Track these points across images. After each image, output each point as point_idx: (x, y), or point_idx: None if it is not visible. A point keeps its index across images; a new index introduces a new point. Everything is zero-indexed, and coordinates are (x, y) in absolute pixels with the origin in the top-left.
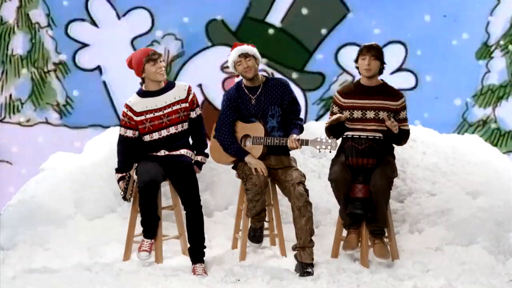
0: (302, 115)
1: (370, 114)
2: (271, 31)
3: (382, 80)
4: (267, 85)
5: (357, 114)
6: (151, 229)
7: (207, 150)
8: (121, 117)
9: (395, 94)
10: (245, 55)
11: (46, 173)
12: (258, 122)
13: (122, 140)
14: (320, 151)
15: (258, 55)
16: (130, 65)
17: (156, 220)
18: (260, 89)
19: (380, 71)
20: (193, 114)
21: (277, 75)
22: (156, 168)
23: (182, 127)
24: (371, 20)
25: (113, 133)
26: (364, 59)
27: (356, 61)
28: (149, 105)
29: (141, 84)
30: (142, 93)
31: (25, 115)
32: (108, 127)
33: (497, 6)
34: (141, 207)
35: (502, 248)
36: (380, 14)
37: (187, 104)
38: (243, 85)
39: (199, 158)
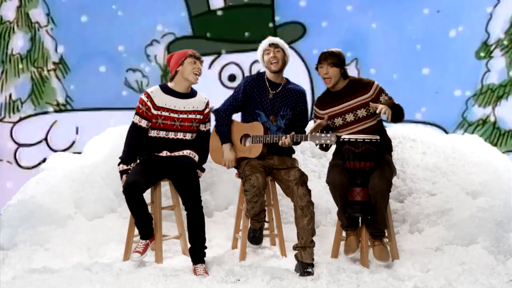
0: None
1: (350, 117)
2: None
3: (349, 77)
4: (288, 86)
5: (338, 121)
6: (145, 229)
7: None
8: (138, 105)
9: (364, 85)
10: (275, 45)
11: (46, 173)
12: (258, 121)
13: (135, 129)
14: (318, 146)
15: (288, 52)
16: (169, 59)
17: (149, 220)
18: (281, 87)
19: (344, 75)
20: (203, 127)
21: None
22: (145, 171)
23: (191, 136)
24: (371, 19)
25: (113, 133)
26: (322, 67)
27: (317, 69)
28: (168, 103)
29: (170, 80)
30: (165, 89)
31: (25, 115)
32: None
33: (497, 6)
34: (129, 208)
35: (502, 248)
36: (380, 14)
37: (201, 116)
38: (265, 77)
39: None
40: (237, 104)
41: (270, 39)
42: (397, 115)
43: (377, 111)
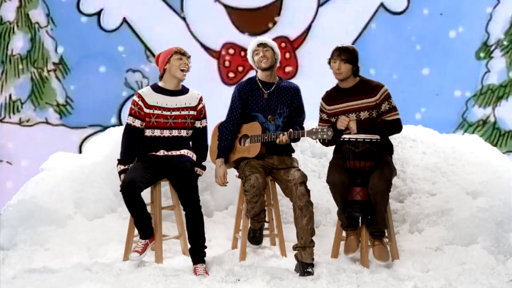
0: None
1: (352, 117)
2: None
3: (360, 76)
4: (281, 84)
5: None
6: (144, 229)
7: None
8: (131, 106)
9: (372, 88)
10: (263, 45)
11: (46, 173)
12: (256, 121)
13: (129, 129)
14: (316, 141)
15: (277, 50)
16: (157, 58)
17: (148, 219)
18: (274, 86)
19: (355, 72)
20: (198, 124)
21: None
22: (143, 170)
23: (186, 133)
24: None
25: (113, 133)
26: (335, 62)
27: (329, 63)
28: (159, 101)
29: (160, 78)
30: (156, 88)
31: (25, 115)
32: (108, 127)
33: (497, 6)
34: (127, 207)
35: (502, 248)
36: (380, 14)
37: (195, 112)
38: (257, 79)
39: (196, 169)
40: (237, 114)
41: (258, 39)
42: (382, 131)
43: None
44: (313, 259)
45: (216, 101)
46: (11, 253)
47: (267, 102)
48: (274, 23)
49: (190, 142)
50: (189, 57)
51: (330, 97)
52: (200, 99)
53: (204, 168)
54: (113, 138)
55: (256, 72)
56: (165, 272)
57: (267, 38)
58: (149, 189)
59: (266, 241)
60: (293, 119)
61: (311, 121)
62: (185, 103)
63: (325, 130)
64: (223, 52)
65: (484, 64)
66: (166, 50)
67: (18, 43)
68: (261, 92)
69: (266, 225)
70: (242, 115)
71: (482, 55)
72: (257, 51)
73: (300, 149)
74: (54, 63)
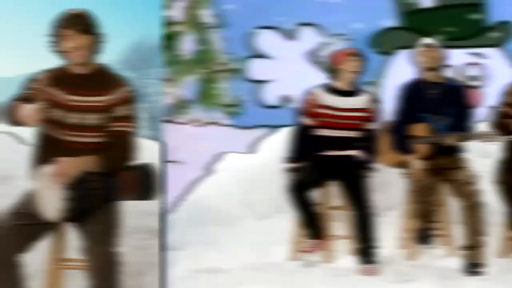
0: None
1: None
2: None
3: None
4: (447, 84)
5: None
6: (312, 228)
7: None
8: (302, 104)
9: None
10: (429, 46)
11: (217, 174)
12: (422, 122)
13: (300, 128)
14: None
15: (442, 50)
16: (333, 57)
17: (316, 219)
18: (440, 86)
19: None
20: (368, 126)
21: None
22: (310, 170)
23: (356, 134)
24: None
25: (286, 133)
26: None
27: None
28: (330, 101)
29: (332, 78)
30: (328, 88)
31: (193, 115)
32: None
33: None
34: (295, 207)
35: None
36: None
37: (365, 114)
38: (422, 79)
39: (365, 172)
40: (404, 115)
41: (424, 41)
42: None
43: None
44: (482, 259)
45: None
46: (182, 253)
47: (433, 102)
48: None
49: (359, 143)
50: (361, 60)
51: None
52: (372, 101)
53: (372, 170)
54: (285, 138)
55: (421, 72)
56: (334, 272)
57: (432, 39)
58: (317, 188)
59: (435, 241)
60: (460, 119)
61: None
62: (356, 104)
63: (494, 133)
64: None
65: None
66: (342, 50)
67: (187, 44)
68: (428, 92)
69: (435, 225)
70: (408, 116)
71: None
72: (422, 51)
73: (468, 149)
74: (221, 63)
